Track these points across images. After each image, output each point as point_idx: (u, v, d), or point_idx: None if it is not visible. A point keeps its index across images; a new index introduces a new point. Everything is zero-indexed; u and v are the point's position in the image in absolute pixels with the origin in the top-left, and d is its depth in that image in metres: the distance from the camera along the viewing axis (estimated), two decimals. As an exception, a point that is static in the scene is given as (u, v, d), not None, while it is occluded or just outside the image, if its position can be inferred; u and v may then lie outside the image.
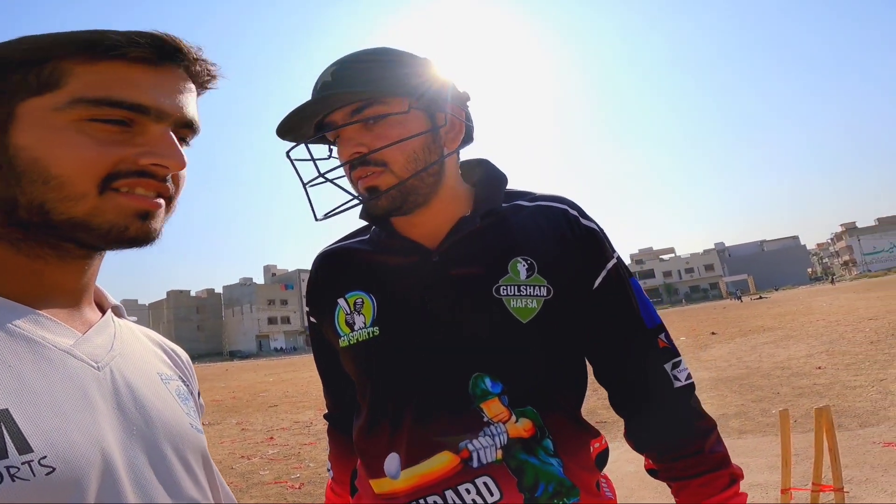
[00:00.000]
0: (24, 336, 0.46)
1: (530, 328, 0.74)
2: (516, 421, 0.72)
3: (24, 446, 0.39)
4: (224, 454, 5.69)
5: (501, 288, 0.75)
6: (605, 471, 0.83)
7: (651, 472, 0.82)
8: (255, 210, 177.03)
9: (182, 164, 0.52)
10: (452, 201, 0.81)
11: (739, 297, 46.12)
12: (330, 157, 0.83)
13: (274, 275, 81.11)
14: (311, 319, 0.91)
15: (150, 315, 78.83)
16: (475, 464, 0.70)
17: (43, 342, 0.47)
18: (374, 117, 0.73)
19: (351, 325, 0.80)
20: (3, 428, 0.39)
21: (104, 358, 0.51)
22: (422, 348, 0.75)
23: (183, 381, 0.65)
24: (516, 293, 0.75)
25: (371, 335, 0.77)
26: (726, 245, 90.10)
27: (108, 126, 0.48)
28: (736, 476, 0.76)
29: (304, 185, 0.80)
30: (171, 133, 0.52)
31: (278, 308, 74.34)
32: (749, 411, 5.06)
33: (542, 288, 0.75)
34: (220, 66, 0.58)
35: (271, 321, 73.14)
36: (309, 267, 0.96)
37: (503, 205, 0.82)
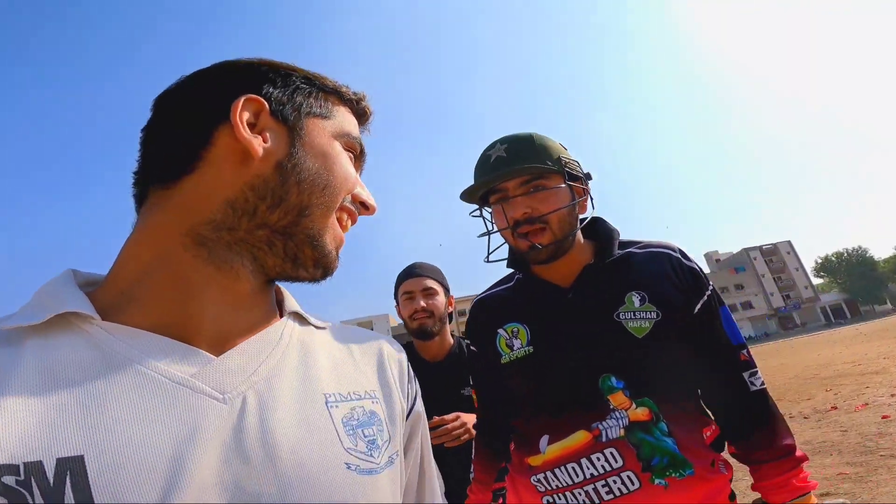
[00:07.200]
0: (136, 370, 0.42)
1: (644, 341, 0.99)
2: (636, 408, 0.96)
3: (85, 499, 0.35)
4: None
5: (620, 314, 1.01)
6: None
7: (734, 455, 1.06)
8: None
9: (375, 211, 0.59)
10: (580, 252, 1.09)
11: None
12: (481, 216, 1.14)
13: (717, 261, 73.38)
14: (472, 349, 1.22)
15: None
16: (604, 439, 0.95)
17: (156, 374, 0.42)
18: (541, 188, 1.03)
19: (511, 347, 1.08)
20: (68, 477, 0.35)
21: (237, 384, 0.45)
22: (565, 359, 1.02)
23: (379, 402, 0.54)
24: (632, 317, 1.01)
25: (528, 353, 1.05)
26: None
27: (349, 157, 0.57)
28: (800, 459, 0.98)
29: (489, 233, 1.11)
30: None
31: (734, 294, 66.02)
32: None
33: (652, 312, 1.01)
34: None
35: (731, 310, 64.66)
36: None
37: (619, 252, 1.09)
